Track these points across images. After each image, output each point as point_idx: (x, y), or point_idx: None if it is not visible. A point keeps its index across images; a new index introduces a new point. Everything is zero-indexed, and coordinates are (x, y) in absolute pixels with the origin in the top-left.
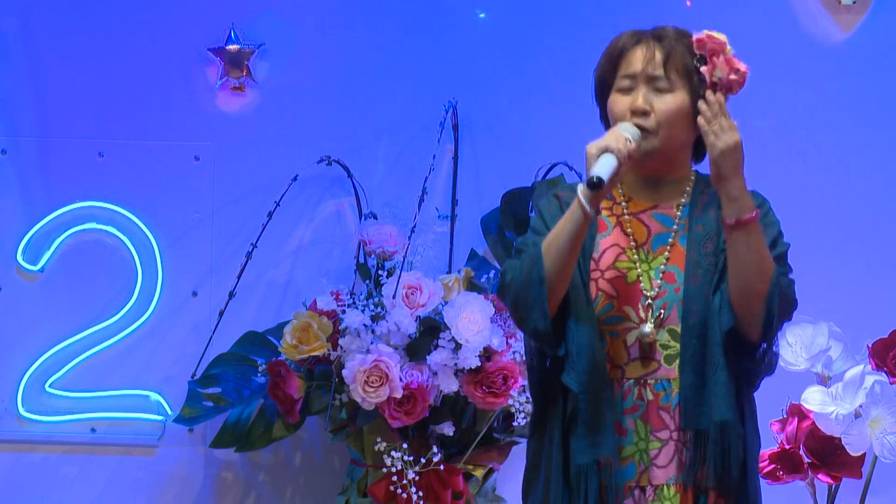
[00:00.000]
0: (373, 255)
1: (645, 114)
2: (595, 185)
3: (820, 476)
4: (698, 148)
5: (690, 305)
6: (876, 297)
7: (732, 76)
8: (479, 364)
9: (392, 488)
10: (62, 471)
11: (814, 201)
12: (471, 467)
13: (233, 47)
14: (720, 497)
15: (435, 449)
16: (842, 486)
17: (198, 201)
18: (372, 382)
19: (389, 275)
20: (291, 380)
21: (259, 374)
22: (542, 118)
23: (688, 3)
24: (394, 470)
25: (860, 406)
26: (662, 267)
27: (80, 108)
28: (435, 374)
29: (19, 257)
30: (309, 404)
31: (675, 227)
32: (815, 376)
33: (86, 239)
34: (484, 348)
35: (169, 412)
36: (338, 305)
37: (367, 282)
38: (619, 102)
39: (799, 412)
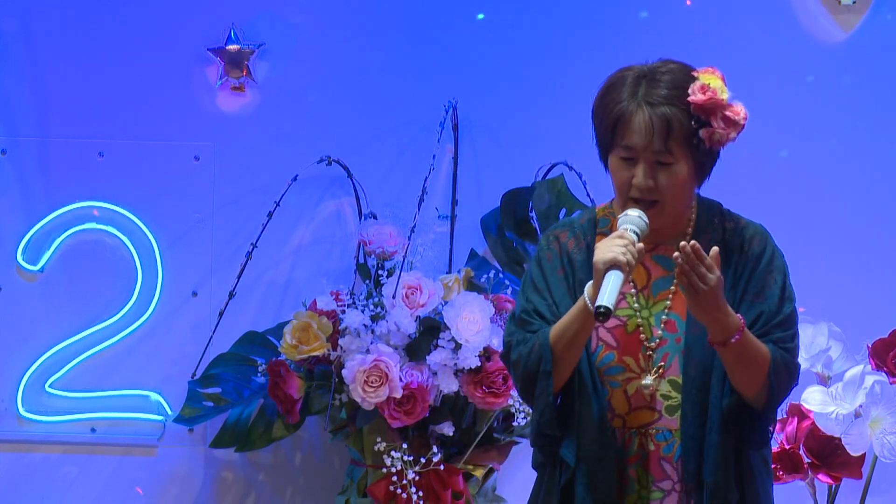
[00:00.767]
0: (373, 255)
1: (649, 190)
2: (603, 317)
3: (820, 476)
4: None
5: (692, 356)
6: (876, 297)
7: (732, 134)
8: (479, 364)
9: (392, 488)
10: (62, 471)
11: (814, 201)
12: (471, 467)
13: (233, 47)
14: None
15: (435, 449)
16: (842, 486)
17: (198, 201)
18: (372, 382)
19: (389, 275)
20: (291, 380)
21: (259, 374)
22: (542, 118)
23: (687, 3)
24: (394, 470)
25: (860, 406)
26: (664, 316)
27: (80, 108)
28: (435, 374)
29: (19, 257)
30: (309, 404)
31: (675, 271)
32: (815, 376)
33: (86, 239)
34: (484, 348)
35: (169, 412)
36: (338, 305)
37: (367, 282)
38: (621, 171)
39: (799, 412)
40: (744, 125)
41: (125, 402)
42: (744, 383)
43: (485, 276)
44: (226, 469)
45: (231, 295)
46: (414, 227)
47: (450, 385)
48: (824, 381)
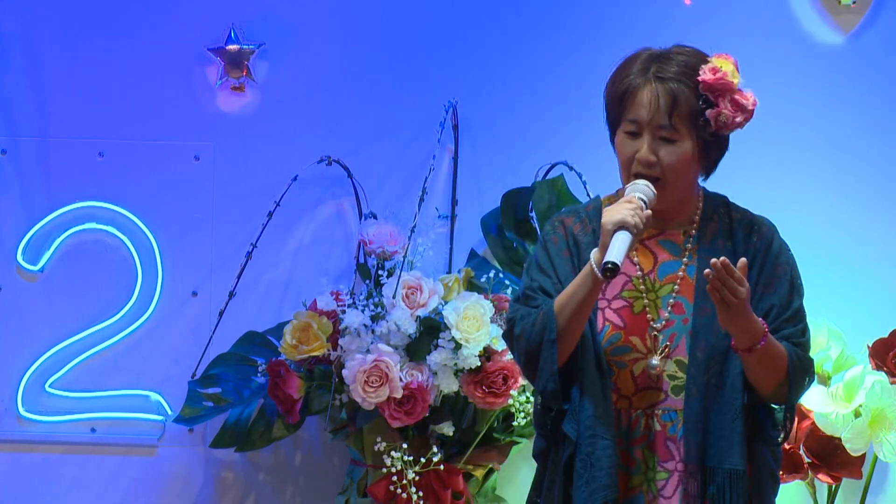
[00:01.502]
0: (373, 255)
1: (651, 164)
2: (611, 272)
3: (820, 476)
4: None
5: (699, 339)
6: (876, 297)
7: (738, 118)
8: (479, 364)
9: (392, 488)
10: (62, 471)
11: (814, 201)
12: (471, 467)
13: (233, 47)
14: None
15: (435, 449)
16: (842, 486)
17: (198, 201)
18: (372, 382)
19: (389, 275)
20: (291, 380)
21: (259, 374)
22: (542, 118)
23: (687, 3)
24: (394, 470)
25: (860, 406)
26: (671, 299)
27: (80, 108)
28: (435, 374)
29: (19, 257)
30: (309, 404)
31: (683, 256)
32: (815, 376)
33: (86, 239)
34: (484, 348)
35: (169, 412)
36: (338, 305)
37: (367, 282)
38: (625, 146)
39: (799, 412)
40: (752, 112)
41: (125, 402)
42: (763, 383)
43: (485, 276)
44: (226, 469)
45: (231, 295)
46: (414, 227)
47: (450, 385)
48: (824, 381)
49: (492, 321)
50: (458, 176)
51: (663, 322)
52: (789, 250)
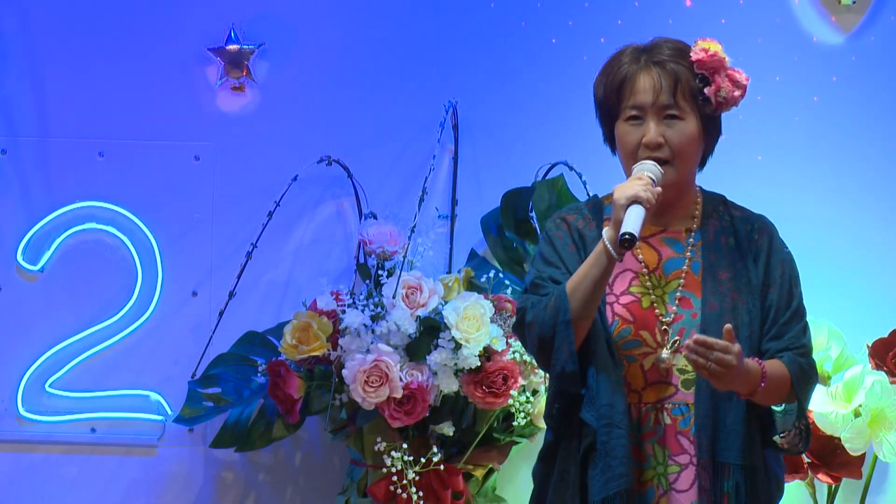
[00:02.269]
0: (373, 255)
1: (659, 146)
2: (629, 243)
3: (820, 476)
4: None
5: (710, 332)
6: (876, 297)
7: (736, 92)
8: (479, 364)
9: (392, 488)
10: (62, 471)
11: (813, 201)
12: (471, 467)
13: (233, 47)
14: None
15: (435, 449)
16: (842, 486)
17: (198, 201)
18: (372, 382)
19: (389, 275)
20: (291, 380)
21: (259, 374)
22: (542, 118)
23: (687, 3)
24: (394, 470)
25: (860, 406)
26: (678, 294)
27: (80, 108)
28: (435, 374)
29: (19, 257)
30: (309, 404)
31: (686, 253)
32: None
33: (86, 239)
34: (484, 348)
35: (169, 412)
36: (338, 305)
37: (367, 282)
38: (629, 133)
39: None
40: (746, 86)
41: (125, 402)
42: (771, 403)
43: (485, 276)
44: (226, 469)
45: (231, 295)
46: (414, 227)
47: (450, 385)
48: (824, 381)
49: (492, 321)
50: (458, 176)
51: (672, 316)
52: (787, 247)
